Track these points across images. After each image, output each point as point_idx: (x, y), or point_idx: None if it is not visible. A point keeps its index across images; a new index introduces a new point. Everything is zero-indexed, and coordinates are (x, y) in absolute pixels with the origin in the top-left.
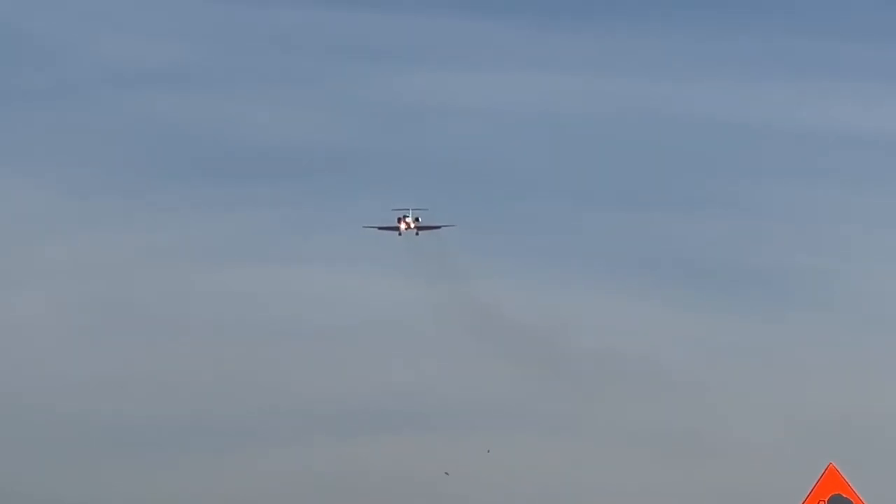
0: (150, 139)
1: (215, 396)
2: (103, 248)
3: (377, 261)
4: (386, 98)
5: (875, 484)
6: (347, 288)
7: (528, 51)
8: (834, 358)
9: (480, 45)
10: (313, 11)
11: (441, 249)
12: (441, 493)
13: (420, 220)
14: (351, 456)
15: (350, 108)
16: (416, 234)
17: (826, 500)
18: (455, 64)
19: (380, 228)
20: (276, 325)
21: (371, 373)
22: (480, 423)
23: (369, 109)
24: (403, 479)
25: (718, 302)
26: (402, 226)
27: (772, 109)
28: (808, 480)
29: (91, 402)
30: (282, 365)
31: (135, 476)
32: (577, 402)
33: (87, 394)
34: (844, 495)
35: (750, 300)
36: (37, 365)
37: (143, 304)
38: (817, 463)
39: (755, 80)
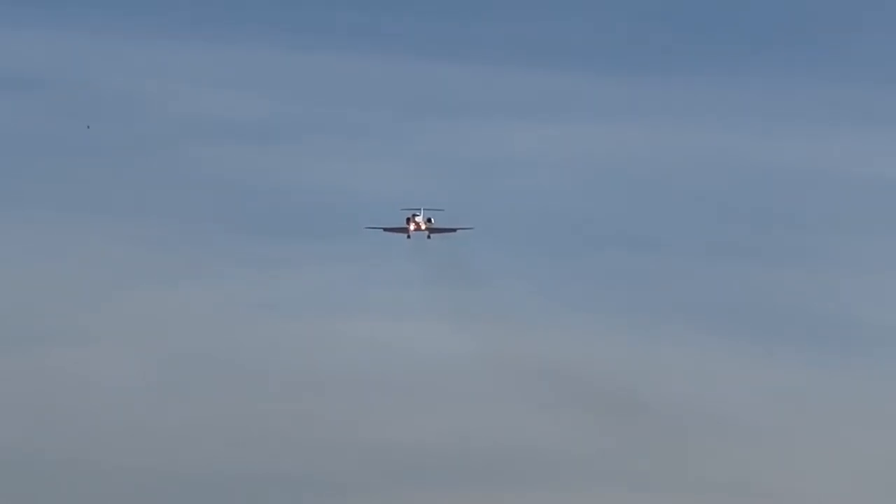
0: (225, 193)
1: (290, 445)
2: (180, 301)
3: (438, 310)
4: (456, 150)
5: None
6: (413, 339)
7: (602, 101)
8: None
9: (551, 97)
10: (382, 66)
11: (507, 303)
12: None
13: (433, 221)
14: None
15: (420, 160)
16: (428, 236)
17: None
18: (525, 115)
19: (385, 230)
20: (344, 375)
21: (440, 423)
22: (552, 476)
23: (441, 161)
24: None
25: (794, 353)
26: (412, 227)
27: (846, 160)
28: None
29: (170, 453)
30: (352, 414)
31: None
32: (654, 455)
33: (166, 444)
34: None
35: (826, 351)
36: (116, 416)
37: (219, 356)
38: None
39: (828, 130)
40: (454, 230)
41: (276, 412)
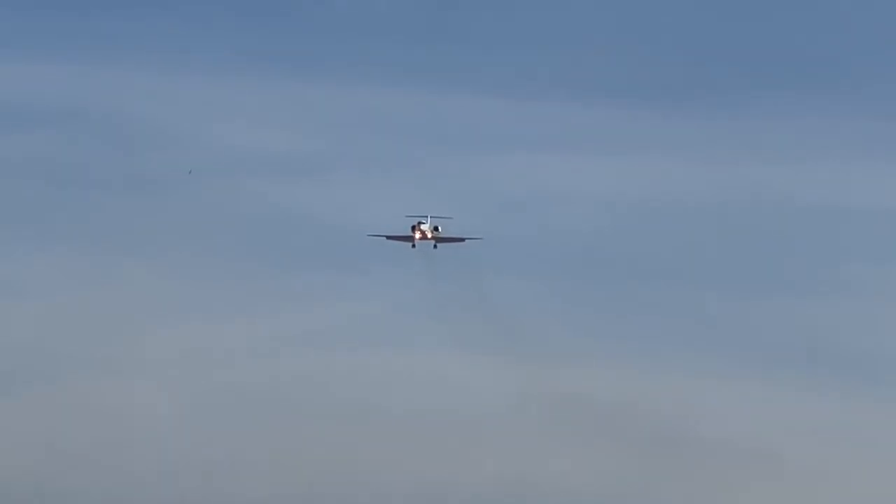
0: (262, 225)
1: (325, 478)
2: (217, 334)
3: (472, 344)
4: (492, 183)
5: None
6: (448, 373)
7: (641, 136)
8: None
9: (584, 131)
10: (417, 97)
11: (542, 338)
12: None
13: (440, 229)
14: None
15: (455, 193)
16: (435, 246)
17: None
18: (557, 148)
19: (388, 238)
20: (381, 409)
21: (475, 458)
22: None
23: (475, 195)
24: None
25: (836, 387)
26: (417, 235)
27: (883, 194)
28: None
29: (206, 485)
30: (388, 449)
31: None
32: (694, 491)
33: (203, 476)
34: None
35: (870, 386)
36: (153, 448)
37: (253, 389)
38: None
39: (867, 164)
40: (462, 239)
41: (313, 444)
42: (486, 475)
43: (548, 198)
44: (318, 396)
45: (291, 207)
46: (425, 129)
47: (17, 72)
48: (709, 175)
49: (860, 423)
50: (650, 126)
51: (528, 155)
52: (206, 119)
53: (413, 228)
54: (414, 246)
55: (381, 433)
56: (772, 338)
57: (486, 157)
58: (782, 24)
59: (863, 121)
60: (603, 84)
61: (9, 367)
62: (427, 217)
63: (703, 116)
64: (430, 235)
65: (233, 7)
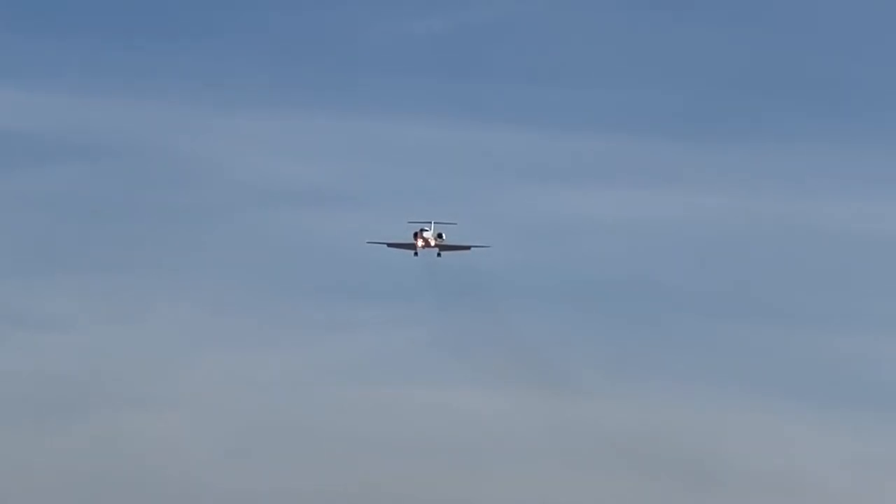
0: (294, 256)
1: None
2: (247, 366)
3: (502, 376)
4: (517, 213)
5: None
6: (478, 405)
7: (669, 168)
8: None
9: (623, 163)
10: (449, 130)
11: (572, 370)
12: None
13: (444, 236)
14: None
15: (494, 224)
16: (439, 254)
17: None
18: (598, 181)
19: (389, 245)
20: (408, 441)
21: (505, 492)
22: None
23: (514, 226)
24: None
25: (864, 419)
26: (419, 242)
27: None
28: None
29: None
30: (414, 480)
31: None
32: None
33: None
34: None
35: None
36: (184, 480)
37: (287, 421)
38: None
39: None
40: (468, 247)
41: (344, 476)
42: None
43: (572, 227)
44: (349, 428)
45: (324, 238)
46: (457, 161)
47: (51, 104)
48: (735, 205)
49: (890, 454)
50: (674, 156)
51: (554, 185)
52: (238, 151)
53: (415, 235)
54: (416, 254)
55: (407, 465)
56: (798, 368)
57: (513, 188)
58: (806, 54)
59: (890, 149)
60: (624, 115)
61: (43, 401)
62: (430, 223)
63: (726, 146)
64: (433, 243)
65: (265, 41)
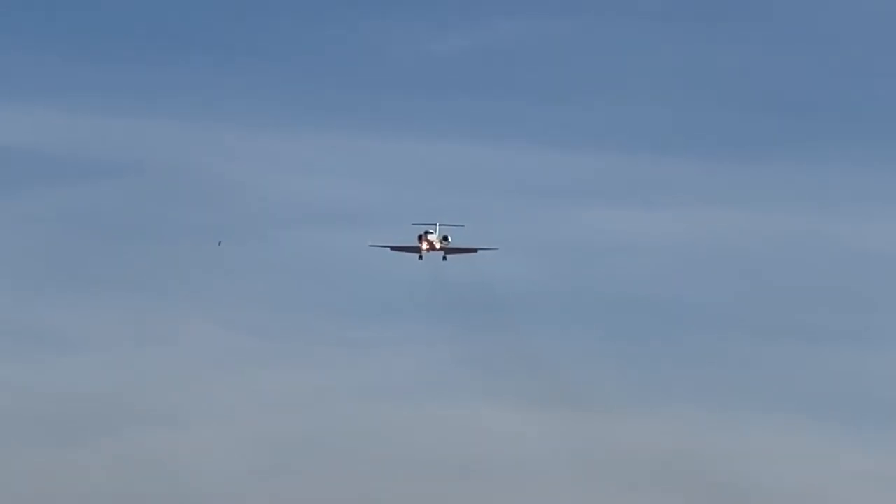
0: (325, 276)
1: None
2: (273, 384)
3: (532, 397)
4: (561, 235)
5: None
6: (506, 426)
7: (700, 187)
8: None
9: (643, 181)
10: (471, 148)
11: (603, 390)
12: None
13: (450, 239)
14: None
15: (513, 242)
16: (444, 257)
17: None
18: (629, 200)
19: (393, 249)
20: (435, 459)
21: None
22: None
23: (544, 247)
24: None
25: (885, 435)
26: (424, 245)
27: None
28: None
29: None
30: (443, 499)
31: None
32: None
33: None
34: None
35: None
36: (210, 497)
37: (312, 439)
38: None
39: None
40: (475, 250)
41: (370, 494)
42: None
43: (593, 246)
44: (373, 445)
45: (349, 257)
46: (479, 179)
47: (83, 124)
48: (764, 224)
49: None
50: (695, 175)
51: (574, 204)
52: (264, 171)
53: (420, 238)
54: (421, 258)
55: (429, 483)
56: (827, 387)
57: (533, 206)
58: (836, 76)
59: None
60: (645, 134)
61: (74, 418)
62: (436, 225)
63: (747, 165)
64: (438, 246)
65: (289, 61)
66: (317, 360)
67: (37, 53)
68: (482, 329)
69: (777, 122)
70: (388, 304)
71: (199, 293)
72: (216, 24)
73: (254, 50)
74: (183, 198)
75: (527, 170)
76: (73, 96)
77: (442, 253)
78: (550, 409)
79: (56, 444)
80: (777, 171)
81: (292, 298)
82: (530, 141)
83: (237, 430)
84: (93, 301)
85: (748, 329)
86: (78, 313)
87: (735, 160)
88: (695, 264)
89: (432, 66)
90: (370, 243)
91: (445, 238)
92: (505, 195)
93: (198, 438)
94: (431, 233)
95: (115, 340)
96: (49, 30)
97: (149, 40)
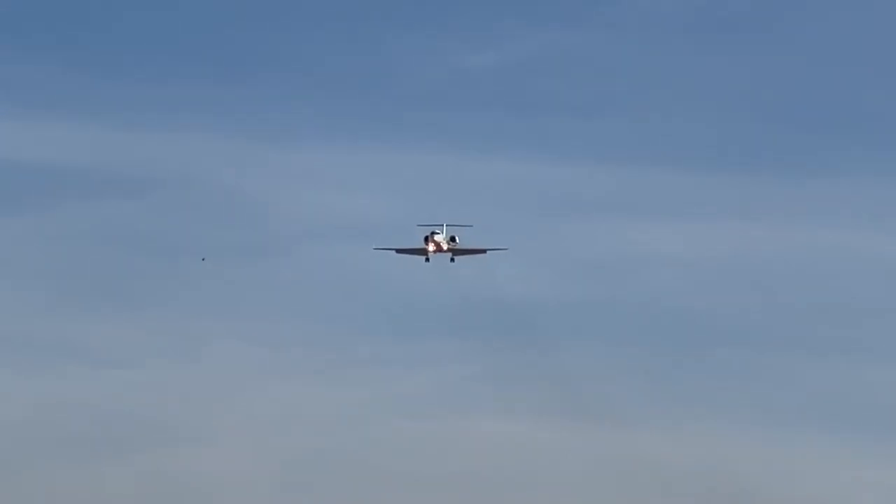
0: (352, 291)
1: None
2: (302, 401)
3: (558, 411)
4: (589, 248)
5: None
6: (535, 440)
7: (727, 200)
8: None
9: (672, 196)
10: (504, 163)
11: (625, 403)
12: None
13: (457, 240)
14: None
15: (553, 258)
16: (452, 259)
17: None
18: (655, 214)
19: (398, 251)
20: (461, 474)
21: None
22: None
23: (571, 260)
24: None
25: None
26: (431, 247)
27: None
28: None
29: None
30: None
31: None
32: None
33: None
34: None
35: None
36: None
37: (341, 455)
38: None
39: None
40: (484, 251)
41: None
42: None
43: (627, 261)
44: (401, 461)
45: (378, 272)
46: (510, 194)
47: (108, 139)
48: (791, 239)
49: None
50: (725, 190)
51: (601, 219)
52: (293, 186)
53: (426, 240)
54: (428, 260)
55: (458, 497)
56: (852, 401)
57: (561, 221)
58: (859, 92)
59: None
60: (676, 149)
61: (102, 434)
62: (442, 226)
63: (778, 180)
64: (445, 247)
65: (319, 76)
66: (347, 376)
67: (65, 70)
68: (504, 343)
69: (806, 136)
70: (411, 320)
71: (229, 310)
72: (242, 40)
73: (284, 65)
74: (209, 213)
75: (558, 184)
76: (102, 112)
77: (450, 254)
78: (573, 423)
79: (84, 459)
80: (807, 185)
81: (317, 313)
82: (563, 155)
83: (264, 446)
84: (120, 317)
85: (772, 343)
86: (108, 330)
87: (764, 174)
88: (719, 278)
89: (463, 81)
90: (375, 246)
91: (453, 239)
92: (535, 210)
93: (225, 455)
94: (438, 233)
95: (142, 356)
96: (77, 47)
97: (176, 56)
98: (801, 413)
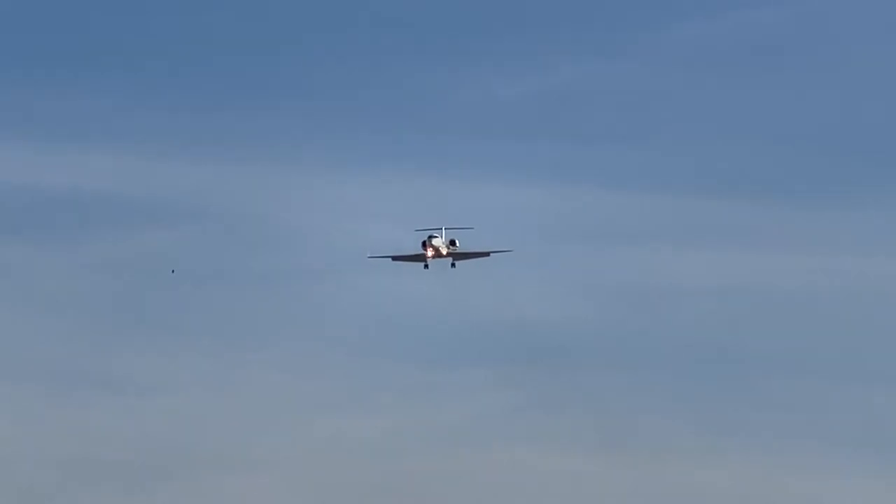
0: (385, 320)
1: None
2: (340, 429)
3: (592, 442)
4: (626, 277)
5: None
6: (572, 471)
7: (756, 230)
8: None
9: (708, 225)
10: (536, 192)
11: (657, 432)
12: None
13: (458, 243)
14: None
15: (580, 286)
16: (453, 264)
17: None
18: (689, 242)
19: (394, 259)
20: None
21: None
22: None
23: (600, 288)
24: None
25: None
26: (429, 252)
27: None
28: None
29: None
30: None
31: None
32: None
33: None
34: None
35: None
36: None
37: (379, 484)
38: None
39: None
40: (487, 254)
41: None
42: None
43: (665, 289)
44: (438, 489)
45: (417, 301)
46: (546, 222)
47: (142, 168)
48: (829, 266)
49: None
50: (761, 219)
51: (638, 247)
52: (331, 215)
53: (424, 245)
54: (426, 266)
55: None
56: (888, 428)
57: (600, 250)
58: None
59: None
60: (711, 177)
61: (139, 462)
62: (441, 229)
63: (814, 209)
64: (444, 252)
65: (358, 107)
66: (385, 404)
67: (113, 99)
68: (546, 373)
69: (846, 165)
70: (451, 348)
71: (267, 338)
72: (278, 70)
73: (319, 95)
74: (244, 242)
75: (593, 213)
76: (136, 141)
77: (450, 259)
78: (614, 453)
79: (122, 489)
80: (847, 215)
81: (359, 343)
82: (598, 185)
83: (304, 474)
84: (161, 346)
85: (815, 373)
86: (146, 359)
87: (803, 204)
88: (759, 308)
89: (499, 110)
90: (369, 254)
91: (453, 242)
92: (572, 238)
93: (266, 482)
94: (436, 237)
95: (176, 385)
96: (125, 77)
97: (211, 87)
98: (844, 439)
